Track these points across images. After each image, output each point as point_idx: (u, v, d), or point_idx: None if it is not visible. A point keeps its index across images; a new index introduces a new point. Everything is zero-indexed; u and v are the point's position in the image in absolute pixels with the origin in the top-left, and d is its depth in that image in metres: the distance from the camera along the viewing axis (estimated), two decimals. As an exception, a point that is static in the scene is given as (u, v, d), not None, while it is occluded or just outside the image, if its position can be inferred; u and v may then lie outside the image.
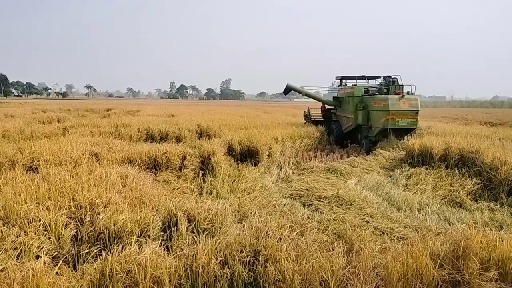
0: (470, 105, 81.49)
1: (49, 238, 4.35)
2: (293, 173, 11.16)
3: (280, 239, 4.50)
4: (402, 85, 15.54)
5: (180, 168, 9.19)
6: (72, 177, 6.28)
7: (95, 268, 3.80)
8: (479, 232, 4.44)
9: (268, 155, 11.89)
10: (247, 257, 4.19)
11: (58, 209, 4.79)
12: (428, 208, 7.58)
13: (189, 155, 9.48)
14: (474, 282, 3.83)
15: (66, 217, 4.71)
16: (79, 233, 4.61)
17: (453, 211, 7.44)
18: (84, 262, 4.18)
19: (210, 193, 8.09)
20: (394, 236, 6.09)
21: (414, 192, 8.64)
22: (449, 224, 6.63)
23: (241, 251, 4.28)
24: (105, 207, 5.07)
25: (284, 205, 7.53)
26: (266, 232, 4.54)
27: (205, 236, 4.65)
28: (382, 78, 16.92)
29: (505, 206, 7.52)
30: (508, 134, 14.34)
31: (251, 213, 6.55)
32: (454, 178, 9.16)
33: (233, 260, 4.11)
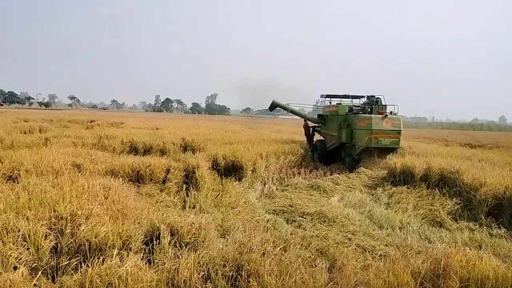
0: (450, 127, 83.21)
1: (28, 249, 4.25)
2: (277, 189, 11.19)
3: (264, 254, 4.49)
4: (385, 105, 15.85)
5: (164, 181, 9.13)
6: (53, 188, 6.16)
7: (74, 281, 3.74)
8: (459, 251, 4.51)
9: (252, 171, 11.89)
10: (230, 271, 4.17)
11: (38, 220, 4.69)
12: (409, 226, 7.67)
13: (173, 169, 9.42)
14: (454, 300, 3.88)
15: (46, 228, 4.61)
16: (59, 244, 4.52)
17: (433, 230, 7.55)
18: (63, 274, 4.09)
19: (194, 207, 8.05)
20: (376, 254, 6.14)
21: (396, 211, 8.74)
22: (430, 243, 6.71)
23: (224, 266, 4.26)
24: (86, 219, 4.98)
25: (268, 221, 7.53)
26: (250, 247, 4.53)
27: (188, 250, 4.61)
28: (365, 97, 17.21)
29: (484, 226, 7.67)
30: (487, 156, 14.67)
31: (234, 227, 6.53)
32: (434, 197, 9.31)
33: (216, 275, 4.08)
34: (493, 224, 7.72)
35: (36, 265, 4.15)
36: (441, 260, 4.23)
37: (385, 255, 6.01)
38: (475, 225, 7.77)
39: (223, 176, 10.86)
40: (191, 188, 9.05)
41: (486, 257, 4.50)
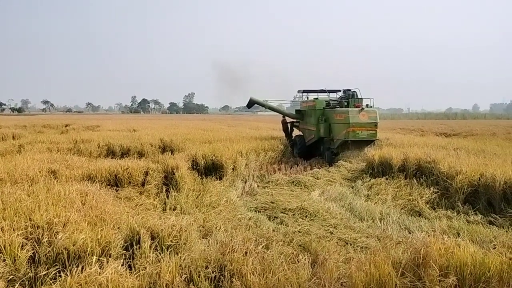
0: (426, 117, 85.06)
1: (4, 260, 4.12)
2: (258, 186, 11.19)
3: (246, 253, 4.48)
4: (361, 98, 16.04)
5: (143, 184, 9.01)
6: (29, 196, 6.00)
7: (53, 291, 3.64)
8: (438, 240, 4.58)
9: (233, 169, 11.86)
10: (213, 273, 4.14)
11: (14, 230, 4.56)
12: (389, 217, 7.78)
13: (152, 171, 9.31)
14: (434, 289, 3.95)
15: (23, 238, 4.49)
16: (36, 254, 4.40)
17: (413, 220, 7.68)
18: (42, 285, 3.99)
19: (174, 209, 7.97)
20: (357, 246, 6.21)
21: (375, 202, 8.86)
22: (410, 233, 6.83)
23: (207, 267, 4.23)
24: (63, 227, 4.87)
25: (250, 219, 7.52)
26: (232, 247, 4.52)
27: (169, 253, 4.56)
28: (342, 91, 17.37)
29: (461, 213, 7.84)
30: (462, 144, 15.01)
31: (216, 228, 6.50)
32: (412, 187, 9.47)
33: (198, 277, 4.05)
34: (470, 211, 7.90)
35: (13, 277, 4.04)
36: (420, 249, 4.30)
37: (366, 247, 6.09)
38: (453, 213, 7.94)
39: (203, 176, 10.79)
40: (171, 189, 8.96)
41: (464, 244, 4.59)
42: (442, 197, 8.74)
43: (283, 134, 20.11)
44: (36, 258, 4.39)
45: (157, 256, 4.43)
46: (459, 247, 4.43)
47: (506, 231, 6.62)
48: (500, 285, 4.05)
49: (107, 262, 4.18)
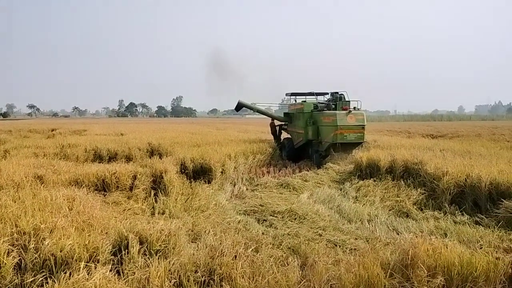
0: (412, 119, 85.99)
1: (-11, 268, 4.06)
2: (246, 189, 11.19)
3: (236, 256, 4.48)
4: (349, 101, 16.16)
5: (131, 188, 8.93)
6: (14, 202, 5.91)
7: (40, 298, 3.59)
8: (426, 241, 4.63)
9: (222, 172, 11.84)
10: (202, 277, 4.13)
11: (-1, 237, 4.49)
12: (377, 219, 7.84)
13: (140, 175, 9.24)
14: (423, 289, 3.99)
15: (8, 245, 4.40)
16: (22, 261, 4.33)
17: (400, 221, 7.74)
18: (28, 292, 3.93)
19: (163, 213, 7.92)
20: (346, 248, 6.24)
21: (364, 204, 8.91)
22: (398, 234, 6.88)
23: (196, 271, 4.22)
24: (50, 232, 4.80)
25: (239, 222, 7.51)
26: (221, 251, 4.51)
27: (158, 258, 4.53)
28: (329, 94, 17.47)
29: (448, 214, 7.93)
30: (448, 146, 15.21)
31: (205, 231, 6.47)
32: (400, 189, 9.56)
33: (188, 281, 4.04)
34: (456, 212, 7.99)
35: (-1, 285, 3.98)
36: (408, 250, 4.35)
37: (355, 249, 6.12)
38: (440, 213, 8.03)
39: (192, 180, 10.75)
40: (160, 193, 8.90)
41: (451, 245, 4.66)
42: (429, 198, 8.83)
43: (271, 137, 20.14)
44: (22, 265, 4.32)
45: (146, 261, 4.40)
46: (447, 248, 4.49)
47: (492, 231, 6.71)
48: (487, 285, 4.11)
49: (95, 268, 4.14)
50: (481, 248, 4.94)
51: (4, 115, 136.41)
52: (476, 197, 8.22)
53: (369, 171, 11.09)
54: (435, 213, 8.07)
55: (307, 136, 16.17)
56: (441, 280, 4.06)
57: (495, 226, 6.97)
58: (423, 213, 8.17)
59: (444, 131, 29.91)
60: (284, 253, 5.63)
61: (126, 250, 4.69)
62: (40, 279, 4.08)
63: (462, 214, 7.86)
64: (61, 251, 4.34)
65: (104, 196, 8.32)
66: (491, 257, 4.32)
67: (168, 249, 4.93)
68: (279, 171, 14.24)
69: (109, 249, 4.72)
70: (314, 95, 18.31)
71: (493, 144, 16.83)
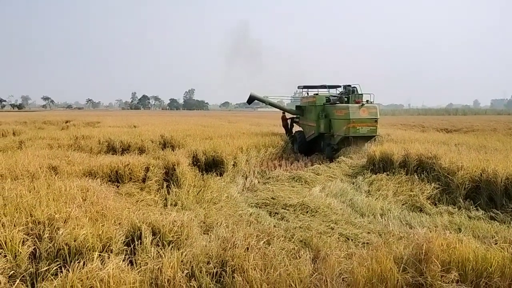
0: (426, 113, 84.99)
1: (5, 256, 4.11)
2: (258, 182, 11.19)
3: (247, 248, 4.47)
4: (362, 94, 16.01)
5: (144, 180, 8.99)
6: (30, 192, 5.98)
7: (54, 286, 3.63)
8: (440, 235, 4.58)
9: (233, 165, 11.85)
10: (214, 268, 4.14)
11: (15, 226, 4.54)
12: (390, 213, 7.78)
13: (152, 167, 9.29)
14: (436, 284, 3.94)
15: (23, 234, 4.47)
16: (37, 250, 4.39)
17: (414, 215, 7.67)
18: (43, 280, 3.96)
19: (175, 205, 7.97)
20: (358, 242, 6.20)
21: (376, 198, 8.84)
22: (411, 228, 6.81)
23: (208, 263, 4.23)
24: (64, 222, 4.86)
25: (251, 215, 7.52)
26: (233, 242, 4.51)
27: (171, 249, 4.55)
28: (342, 87, 17.33)
29: (462, 209, 7.84)
30: (463, 140, 14.99)
31: (217, 223, 6.50)
32: (414, 183, 9.45)
33: (200, 272, 4.04)
34: (471, 207, 7.90)
35: (14, 273, 4.02)
36: (422, 245, 4.29)
37: (367, 243, 6.08)
38: (454, 208, 7.93)
39: (204, 172, 10.79)
40: (172, 185, 8.95)
41: (466, 240, 4.59)
42: (444, 193, 8.73)
43: (283, 130, 20.09)
44: (37, 254, 4.38)
45: (159, 251, 4.42)
46: (461, 243, 4.43)
47: (508, 226, 6.62)
48: (502, 280, 4.04)
49: (109, 257, 4.17)
50: (496, 243, 4.86)
51: (19, 107, 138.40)
52: (491, 192, 8.09)
53: (382, 165, 10.99)
54: (449, 208, 7.98)
55: (319, 129, 16.09)
56: (455, 275, 4.01)
57: (511, 222, 6.87)
58: (437, 208, 8.08)
59: (459, 126, 29.54)
60: (296, 246, 5.62)
61: (139, 241, 4.73)
62: (54, 268, 4.13)
63: (477, 209, 7.75)
64: (75, 241, 4.38)
65: (117, 187, 8.38)
66: (506, 253, 4.24)
67: (180, 240, 4.95)
68: (291, 164, 14.21)
69: (122, 240, 4.76)
70: (326, 88, 18.20)
71: (509, 139, 16.50)
